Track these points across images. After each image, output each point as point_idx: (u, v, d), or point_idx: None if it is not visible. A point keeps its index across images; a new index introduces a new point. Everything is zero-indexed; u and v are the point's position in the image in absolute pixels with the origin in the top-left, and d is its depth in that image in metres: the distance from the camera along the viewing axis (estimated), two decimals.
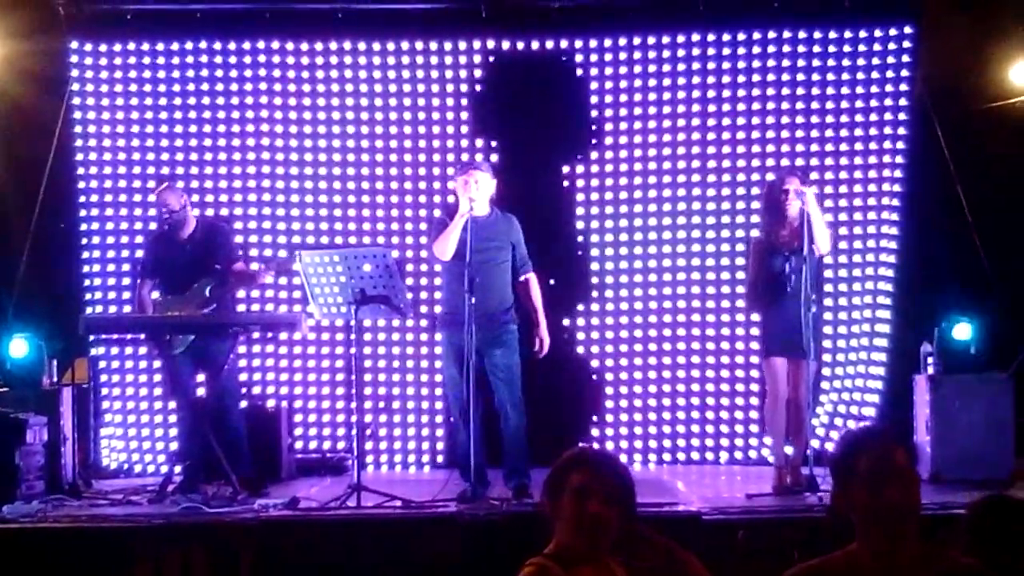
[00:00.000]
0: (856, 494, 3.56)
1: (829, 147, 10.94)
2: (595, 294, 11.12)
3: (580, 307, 11.11)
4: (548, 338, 9.10)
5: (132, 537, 7.82)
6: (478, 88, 11.22)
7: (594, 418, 11.01)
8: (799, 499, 8.54)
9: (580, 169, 11.17)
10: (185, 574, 7.61)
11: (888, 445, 3.59)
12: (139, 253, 10.37)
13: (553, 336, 9.39)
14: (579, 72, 11.19)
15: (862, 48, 10.91)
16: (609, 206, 11.11)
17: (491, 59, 11.22)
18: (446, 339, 8.96)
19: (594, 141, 11.18)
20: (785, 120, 10.99)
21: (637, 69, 11.14)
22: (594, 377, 11.12)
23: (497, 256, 8.86)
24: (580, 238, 11.14)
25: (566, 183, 11.17)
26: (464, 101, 11.23)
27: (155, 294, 9.66)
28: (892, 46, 10.87)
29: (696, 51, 11.09)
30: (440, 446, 11.03)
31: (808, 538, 7.11)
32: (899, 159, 10.83)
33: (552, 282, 10.27)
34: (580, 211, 11.15)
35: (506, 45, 11.18)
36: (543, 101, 11.16)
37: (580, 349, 11.13)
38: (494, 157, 10.80)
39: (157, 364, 10.79)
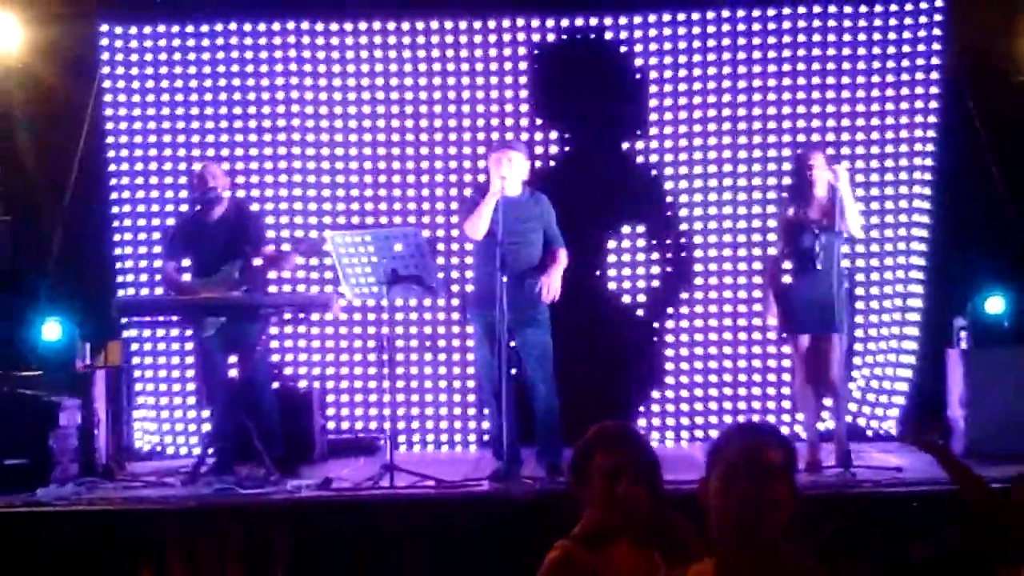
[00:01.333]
0: (712, 483, 3.42)
1: (861, 121, 10.84)
2: (627, 272, 11.09)
3: (612, 286, 11.08)
4: (556, 285, 8.82)
5: (166, 519, 7.86)
6: (509, 66, 11.17)
7: (626, 395, 10.94)
8: (831, 475, 8.52)
9: (618, 142, 11.11)
10: (219, 555, 7.64)
11: (759, 440, 3.40)
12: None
13: (584, 316, 9.31)
14: (623, 49, 11.11)
15: (893, 22, 10.82)
16: (643, 184, 11.07)
17: (527, 37, 11.17)
18: (478, 318, 8.95)
19: (631, 118, 11.10)
20: (816, 95, 10.90)
21: (667, 46, 11.08)
22: (626, 355, 11.05)
23: (529, 236, 8.85)
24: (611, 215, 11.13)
25: (605, 158, 11.11)
26: (494, 80, 11.19)
27: (186, 276, 9.69)
28: (923, 19, 10.77)
29: (726, 27, 11.00)
30: (472, 425, 11.03)
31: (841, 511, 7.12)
32: (931, 132, 10.74)
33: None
34: (616, 185, 11.09)
35: (551, 23, 11.14)
36: (579, 78, 11.11)
37: (612, 329, 11.08)
38: (524, 135, 10.78)
39: (189, 346, 10.84)
